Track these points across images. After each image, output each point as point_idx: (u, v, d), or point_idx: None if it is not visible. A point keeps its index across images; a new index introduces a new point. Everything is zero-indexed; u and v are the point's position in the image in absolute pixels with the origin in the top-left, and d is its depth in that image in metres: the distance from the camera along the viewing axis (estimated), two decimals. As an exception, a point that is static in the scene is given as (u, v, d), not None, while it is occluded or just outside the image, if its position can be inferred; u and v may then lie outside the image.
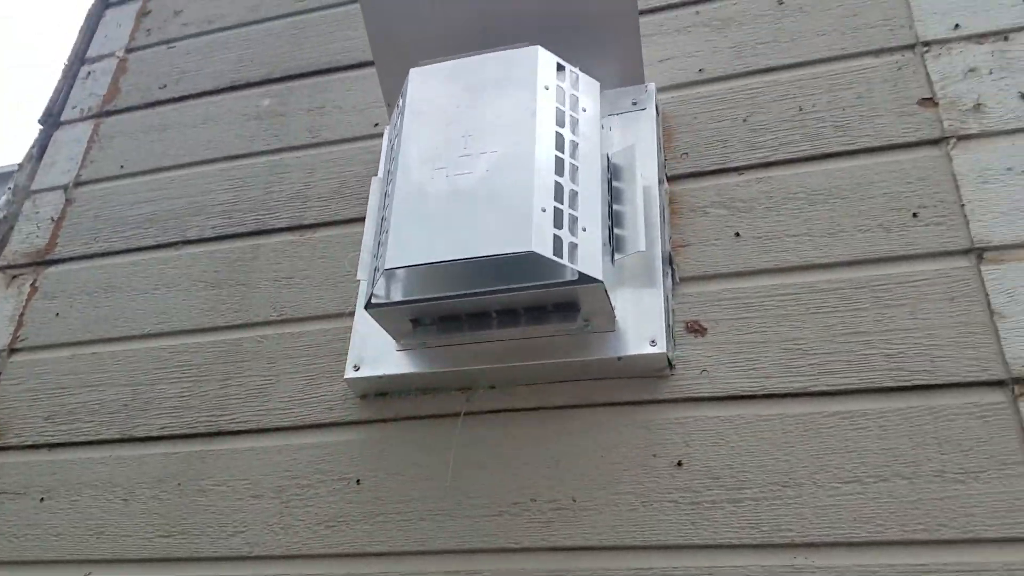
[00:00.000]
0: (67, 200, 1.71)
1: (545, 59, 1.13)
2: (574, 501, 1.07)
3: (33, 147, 1.85)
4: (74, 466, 1.34)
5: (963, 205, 1.11)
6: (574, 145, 1.10)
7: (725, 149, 1.28)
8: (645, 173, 1.22)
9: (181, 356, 1.38)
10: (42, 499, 1.32)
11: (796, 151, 1.24)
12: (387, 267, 1.01)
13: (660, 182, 1.24)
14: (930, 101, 1.21)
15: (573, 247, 1.01)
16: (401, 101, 1.16)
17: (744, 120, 1.29)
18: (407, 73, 1.18)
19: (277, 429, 1.25)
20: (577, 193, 1.06)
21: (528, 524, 1.07)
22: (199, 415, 1.31)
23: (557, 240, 1.00)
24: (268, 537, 1.16)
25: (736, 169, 1.25)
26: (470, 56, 1.15)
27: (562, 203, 1.03)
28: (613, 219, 1.16)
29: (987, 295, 1.04)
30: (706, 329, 1.14)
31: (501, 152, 1.04)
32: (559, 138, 1.07)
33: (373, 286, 1.06)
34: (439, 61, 1.17)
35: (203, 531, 1.20)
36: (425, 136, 1.10)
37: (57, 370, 1.46)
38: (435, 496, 1.12)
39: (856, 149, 1.21)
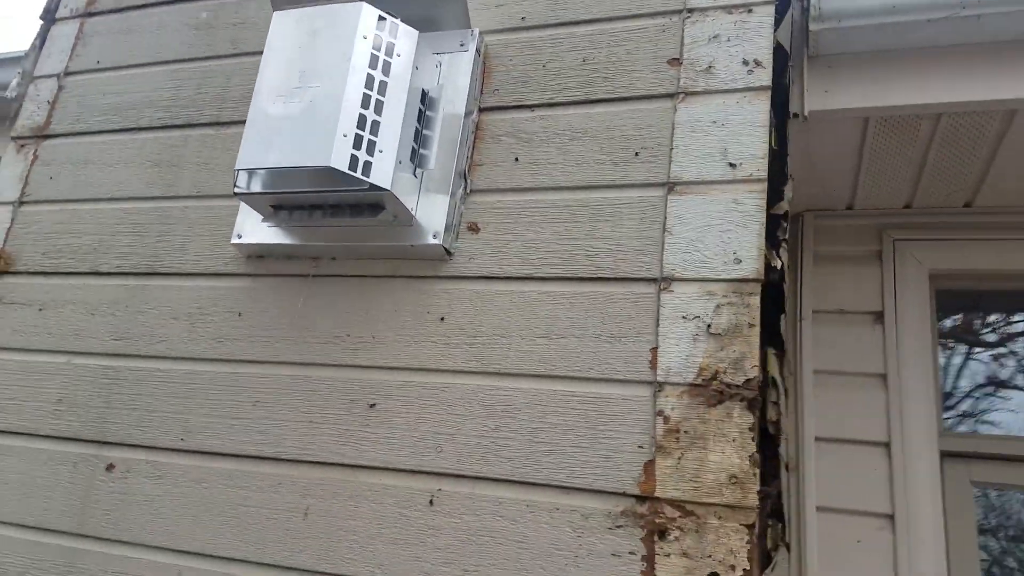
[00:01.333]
0: (59, 87, 2.17)
1: (367, 13, 1.51)
2: (373, 338, 1.56)
3: (36, 38, 2.29)
4: (60, 288, 1.89)
5: (672, 149, 1.50)
6: (383, 84, 1.50)
7: (525, 89, 1.66)
8: (456, 105, 1.62)
9: (131, 216, 1.89)
10: (40, 309, 1.88)
11: (572, 96, 1.61)
12: (236, 167, 1.47)
13: (470, 113, 1.64)
14: (676, 61, 1.56)
15: (368, 164, 1.45)
16: (267, 38, 1.57)
17: (543, 65, 1.66)
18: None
19: (191, 274, 1.76)
20: (379, 123, 1.48)
21: (343, 350, 1.57)
22: (140, 260, 1.83)
23: (354, 159, 1.43)
24: (180, 345, 1.70)
25: (529, 107, 1.64)
26: (315, 7, 1.54)
27: (363, 131, 1.45)
28: (420, 142, 1.58)
29: (665, 218, 1.45)
30: (480, 229, 1.58)
31: (322, 89, 1.46)
32: (369, 78, 1.48)
33: (236, 180, 1.52)
34: (295, 7, 1.56)
35: (140, 338, 1.75)
36: (274, 68, 1.52)
37: (51, 220, 1.98)
38: (287, 328, 1.63)
39: (614, 98, 1.58)
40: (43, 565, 1.60)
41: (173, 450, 1.60)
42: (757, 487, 1.22)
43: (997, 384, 2.21)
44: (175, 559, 1.51)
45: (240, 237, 1.69)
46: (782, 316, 1.62)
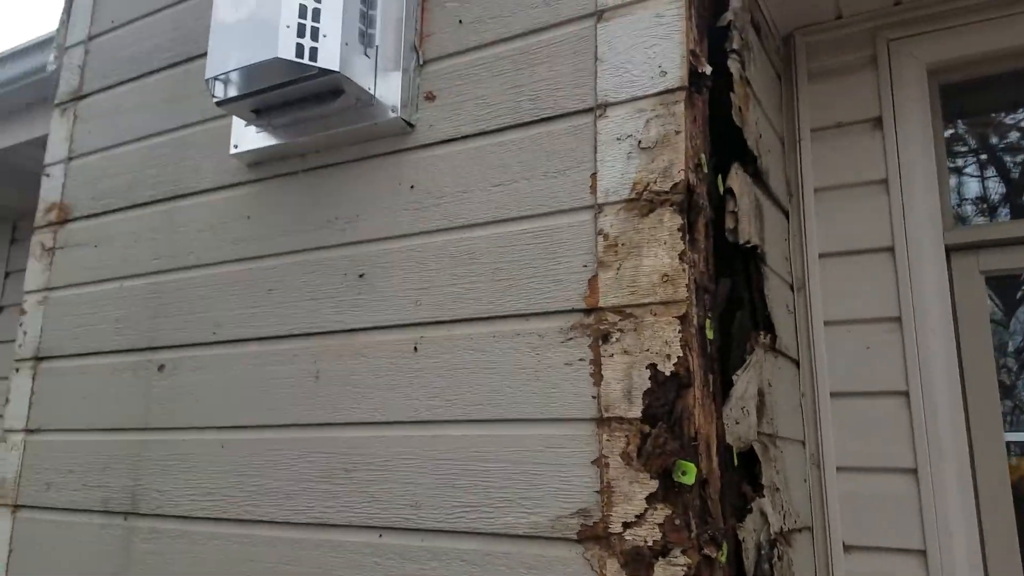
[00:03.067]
0: (86, 51, 2.40)
1: (296, -89, 1.59)
2: (357, 216, 1.70)
3: (63, 12, 2.53)
4: (108, 225, 2.14)
5: (597, -22, 1.50)
6: (319, -26, 1.59)
7: (461, -47, 1.69)
8: (398, -18, 1.69)
9: (155, 151, 2.10)
10: (95, 246, 2.15)
11: (502, -51, 1.63)
12: (205, 77, 1.62)
13: (413, -13, 1.70)
14: None
15: (314, 50, 1.55)
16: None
17: (475, -74, 1.68)
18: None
19: (207, 190, 1.96)
20: (319, 10, 1.57)
21: (334, 232, 1.72)
22: (167, 187, 2.04)
23: (299, 47, 1.54)
24: (206, 253, 1.91)
25: (466, -31, 1.68)
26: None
27: (305, 19, 1.56)
28: (365, 22, 1.66)
29: (596, 46, 1.48)
30: (436, 96, 1.66)
31: (264, -11, 1.57)
32: (305, -29, 1.57)
33: (213, 90, 1.68)
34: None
35: (175, 254, 1.97)
36: (225, -18, 1.64)
37: (93, 167, 2.24)
38: (287, 221, 1.80)
39: (540, -59, 1.59)
40: (119, 457, 1.90)
41: (208, 343, 1.83)
42: (686, 281, 1.27)
43: (1007, 174, 2.08)
44: (217, 434, 1.74)
45: (236, 147, 1.86)
46: (744, 130, 1.63)
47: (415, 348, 1.53)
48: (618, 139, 1.40)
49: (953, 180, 2.01)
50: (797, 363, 1.91)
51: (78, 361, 2.07)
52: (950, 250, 1.81)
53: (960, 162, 2.09)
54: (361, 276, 1.65)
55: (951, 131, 2.08)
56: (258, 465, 1.66)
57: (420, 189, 1.63)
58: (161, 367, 1.89)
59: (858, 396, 1.82)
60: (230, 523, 1.66)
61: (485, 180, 1.55)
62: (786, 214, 2.00)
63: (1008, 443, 1.73)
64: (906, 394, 1.76)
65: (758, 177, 1.75)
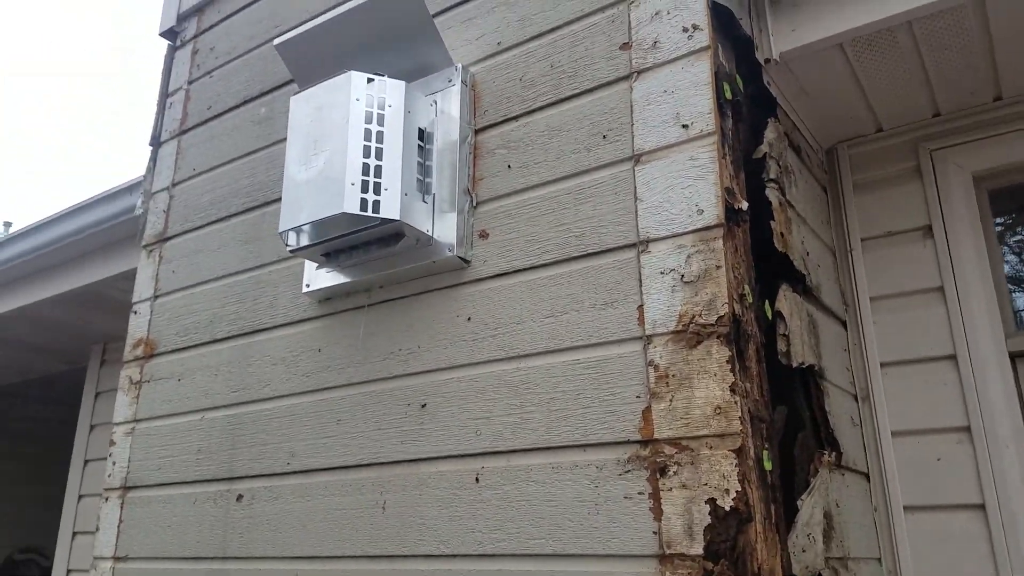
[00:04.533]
0: (170, 196, 2.64)
1: (356, 78, 1.77)
2: (419, 347, 1.80)
3: (150, 161, 2.81)
4: (190, 359, 2.30)
5: (632, 124, 1.62)
6: (379, 134, 1.75)
7: (508, 103, 1.84)
8: (452, 133, 1.84)
9: (233, 288, 2.27)
10: (179, 380, 2.30)
11: (546, 99, 1.77)
12: (278, 231, 1.78)
13: (465, 136, 1.85)
14: (627, 45, 1.68)
15: (376, 203, 1.69)
16: (288, 120, 1.88)
17: (520, 79, 1.84)
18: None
19: (280, 325, 2.10)
20: (381, 167, 1.73)
21: (397, 363, 1.82)
22: (245, 322, 2.19)
23: (363, 201, 1.69)
24: (280, 385, 2.03)
25: (513, 118, 1.82)
26: (319, 84, 1.83)
27: (368, 176, 1.71)
28: (423, 172, 1.81)
29: (635, 187, 1.57)
30: (489, 234, 1.78)
31: (330, 150, 1.74)
32: (367, 132, 1.73)
33: (286, 240, 1.83)
34: (306, 88, 1.86)
35: (251, 386, 2.10)
36: (295, 143, 1.82)
37: (177, 305, 2.43)
38: (353, 353, 1.91)
39: (580, 92, 1.72)
40: (201, 583, 1.98)
41: (282, 474, 1.92)
42: (739, 413, 1.30)
43: None
44: (291, 564, 1.81)
45: (308, 286, 2.00)
46: (789, 252, 1.68)
47: (476, 479, 1.59)
48: (662, 273, 1.47)
49: (1011, 285, 1.99)
50: (867, 476, 1.88)
51: (162, 491, 2.18)
52: (1014, 356, 1.79)
53: (1016, 266, 2.08)
54: (423, 406, 1.73)
55: (1004, 236, 2.08)
56: (330, 598, 1.71)
57: (477, 320, 1.72)
58: (239, 497, 1.99)
59: (932, 510, 1.77)
60: (303, 658, 1.70)
61: (537, 312, 1.63)
62: (844, 324, 2.01)
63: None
64: (983, 507, 1.70)
65: (809, 294, 1.78)
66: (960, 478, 1.74)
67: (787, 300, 1.64)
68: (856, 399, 1.94)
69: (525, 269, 1.68)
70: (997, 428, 1.73)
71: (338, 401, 1.89)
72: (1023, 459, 1.70)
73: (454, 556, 1.55)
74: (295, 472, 1.90)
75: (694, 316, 1.41)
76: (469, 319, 1.73)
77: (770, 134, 1.73)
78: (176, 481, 2.16)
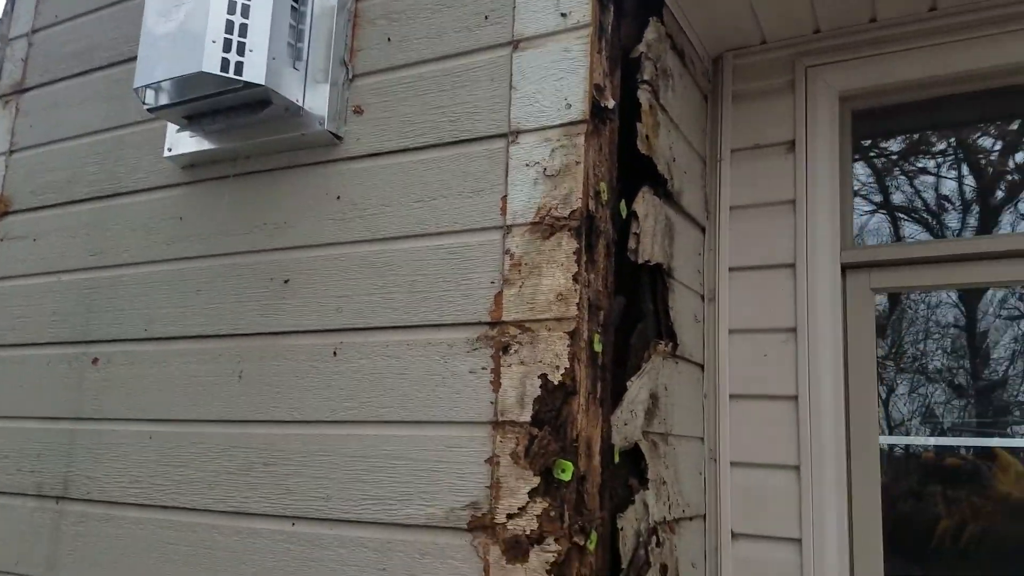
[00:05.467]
0: (30, 44, 2.42)
1: (228, -70, 1.65)
2: (285, 223, 1.78)
3: (7, 3, 2.54)
4: (47, 219, 2.18)
5: (515, 8, 1.59)
6: (250, -9, 1.65)
7: (391, -26, 1.77)
8: None
9: (95, 147, 2.14)
10: (34, 240, 2.19)
11: (429, -27, 1.71)
12: (133, 87, 1.68)
13: (345, 4, 1.78)
14: (515, -77, 1.63)
15: (239, 64, 1.62)
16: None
17: (404, -51, 1.76)
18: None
19: (142, 190, 2.01)
20: (246, 25, 1.64)
21: (262, 237, 1.79)
22: (105, 184, 2.09)
23: (224, 61, 1.61)
24: (139, 252, 1.97)
25: (395, -11, 1.76)
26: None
27: (232, 34, 1.62)
28: (294, 37, 1.73)
29: (511, 75, 1.57)
30: (364, 110, 1.74)
31: (192, 2, 1.63)
32: (235, -11, 1.63)
33: (144, 98, 1.74)
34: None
35: (109, 251, 2.03)
36: (158, -6, 1.70)
37: (34, 162, 2.27)
38: (218, 224, 1.87)
39: (464, -32, 1.67)
40: (52, 446, 1.97)
41: (139, 340, 1.90)
42: (578, 300, 1.38)
43: (908, 197, 2.25)
44: (147, 426, 1.82)
45: (170, 150, 1.92)
46: (653, 155, 1.74)
47: (334, 353, 1.63)
48: (527, 165, 1.51)
49: (858, 202, 2.15)
50: (702, 367, 2.05)
51: (17, 352, 2.12)
52: (845, 268, 1.96)
53: (865, 185, 2.24)
54: (286, 282, 1.73)
55: (859, 155, 2.22)
56: (183, 456, 1.75)
57: (346, 200, 1.71)
58: (95, 360, 1.96)
59: (754, 399, 1.96)
60: (155, 509, 1.75)
61: (406, 195, 1.64)
62: (703, 230, 2.13)
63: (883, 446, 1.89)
64: (795, 398, 1.91)
65: (669, 198, 1.87)
66: (781, 373, 1.94)
67: (645, 201, 1.71)
68: (703, 299, 2.08)
69: (398, 151, 1.67)
70: (820, 329, 1.91)
71: (198, 271, 1.87)
72: (836, 357, 1.90)
73: (308, 422, 1.61)
74: (152, 339, 1.88)
75: (551, 209, 1.46)
76: (338, 198, 1.72)
77: (650, 34, 1.75)
78: (31, 342, 2.09)
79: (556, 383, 1.36)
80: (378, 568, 1.45)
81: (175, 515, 1.72)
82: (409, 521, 1.44)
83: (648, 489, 1.58)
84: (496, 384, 1.42)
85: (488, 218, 1.53)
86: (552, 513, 1.30)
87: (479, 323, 1.48)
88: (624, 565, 1.44)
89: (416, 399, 1.51)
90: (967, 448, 2.39)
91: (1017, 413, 2.73)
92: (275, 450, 1.63)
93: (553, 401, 1.35)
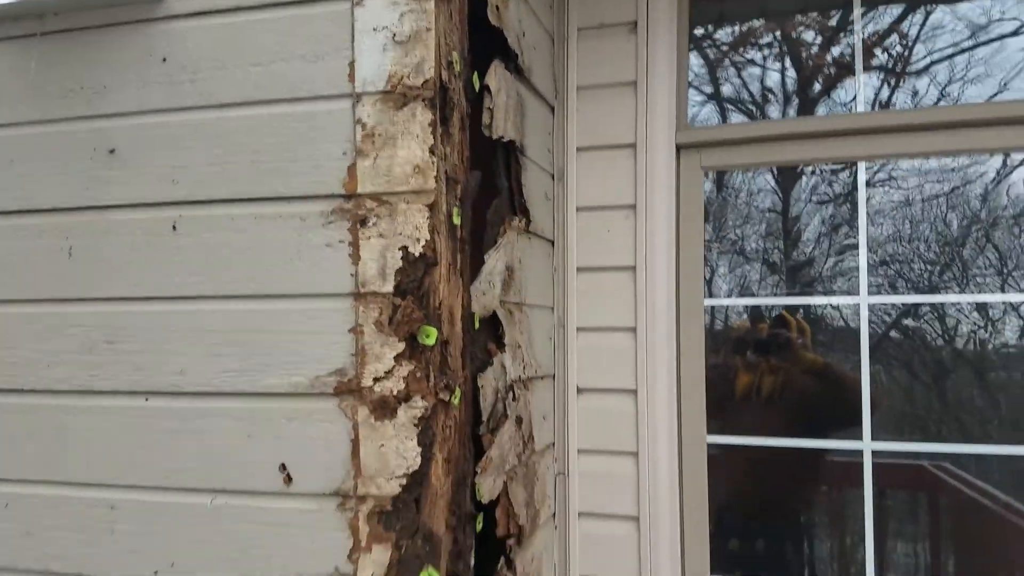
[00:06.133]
0: None
1: None
2: (104, 87, 1.61)
3: None
4: None
5: None
6: None
7: None
8: None
9: None
10: None
11: None
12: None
13: None
14: None
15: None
16: None
17: None
18: None
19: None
20: None
21: (79, 102, 1.62)
22: None
23: None
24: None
25: None
26: None
27: None
28: None
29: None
30: (191, -39, 1.58)
31: None
32: None
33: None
34: None
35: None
36: None
37: None
38: (26, 88, 1.66)
39: None
40: None
41: (-60, 216, 1.69)
42: (435, 173, 1.39)
43: (736, 88, 2.43)
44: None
45: (-47, -1, 1.65)
46: (504, 28, 1.73)
47: (173, 227, 1.54)
48: (375, 30, 1.45)
49: (692, 93, 2.27)
50: (553, 242, 2.15)
51: None
52: (680, 148, 2.09)
53: (699, 76, 2.36)
54: (112, 152, 1.59)
55: (694, 46, 2.33)
56: (15, 337, 1.62)
57: (173, 62, 1.57)
58: None
59: (598, 271, 2.11)
60: (-13, 396, 1.63)
61: (242, 59, 1.53)
62: (552, 109, 2.17)
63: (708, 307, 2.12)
64: (634, 268, 2.07)
65: (520, 74, 1.88)
66: (622, 247, 2.08)
67: (497, 76, 1.72)
68: (553, 177, 2.16)
69: (229, 10, 1.55)
70: (656, 206, 2.06)
71: (9, 140, 1.66)
72: (670, 230, 2.06)
73: (151, 299, 1.54)
74: (-43, 217, 1.68)
75: (402, 77, 1.43)
76: (164, 60, 1.58)
77: (497, -102, 1.70)
78: None
79: (417, 255, 1.38)
80: (244, 435, 1.46)
81: (11, 397, 1.61)
82: (272, 390, 1.45)
83: (505, 352, 1.68)
84: (356, 257, 1.42)
85: (335, 85, 1.48)
86: (418, 374, 1.36)
87: (332, 195, 1.46)
88: (484, 417, 1.55)
89: (270, 272, 1.48)
90: (772, 310, 2.73)
91: (820, 287, 3.13)
92: (117, 327, 1.55)
93: (415, 272, 1.38)
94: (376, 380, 1.40)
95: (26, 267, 1.63)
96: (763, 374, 4.13)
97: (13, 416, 1.62)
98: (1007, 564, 3.53)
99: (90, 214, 1.59)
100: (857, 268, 2.16)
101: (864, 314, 2.12)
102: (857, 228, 2.15)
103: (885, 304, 3.31)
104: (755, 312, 2.82)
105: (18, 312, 1.62)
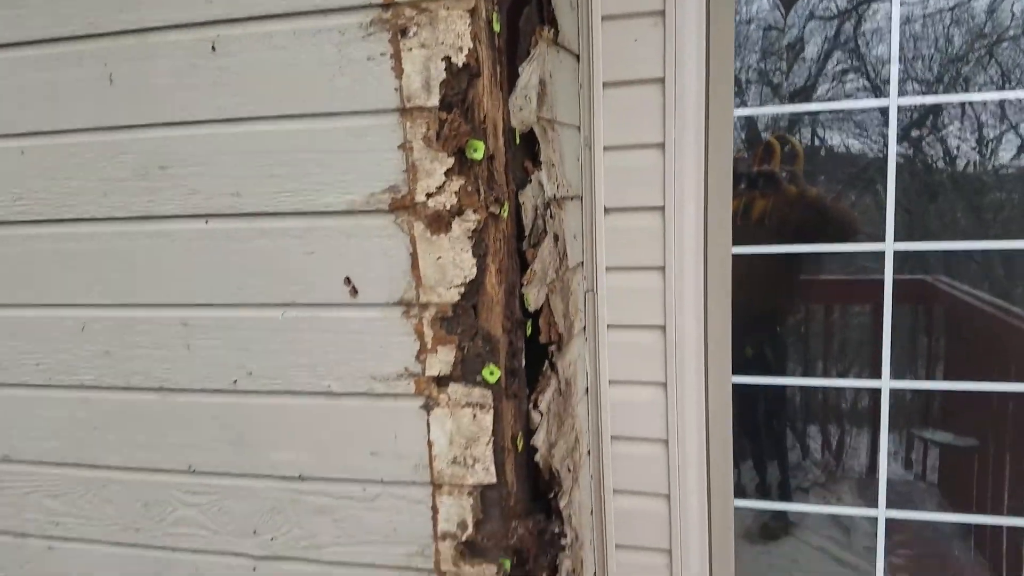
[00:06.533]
0: None
1: None
2: (122, -102, 1.54)
3: None
4: None
5: None
6: None
7: None
8: None
9: None
10: None
11: None
12: None
13: None
14: None
15: None
16: None
17: None
18: None
19: None
20: None
21: None
22: None
23: None
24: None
25: None
26: None
27: None
28: None
29: None
30: None
31: None
32: None
33: None
34: None
35: None
36: None
37: None
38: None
39: None
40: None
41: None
42: (474, -25, 1.37)
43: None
44: (13, 142, 1.68)
45: None
46: None
47: (213, 47, 1.54)
48: None
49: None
50: (578, 56, 2.13)
51: None
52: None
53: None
54: (142, -29, 1.55)
55: None
56: (65, 168, 1.67)
57: None
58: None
59: (624, 85, 2.10)
60: (45, 224, 1.70)
61: None
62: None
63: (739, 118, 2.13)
64: (662, 80, 2.06)
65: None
66: (649, 56, 2.06)
67: None
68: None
69: None
70: (685, 13, 2.02)
71: (28, -37, 1.62)
72: (700, 37, 2.02)
73: (198, 122, 1.56)
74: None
75: None
76: None
77: None
78: None
79: (461, 65, 1.39)
80: (305, 252, 1.55)
81: (69, 227, 1.68)
82: (330, 209, 1.52)
83: (541, 170, 1.72)
84: (398, 70, 1.43)
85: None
86: (469, 188, 1.42)
87: (370, 5, 1.44)
88: (527, 233, 1.63)
89: (313, 90, 1.49)
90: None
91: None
92: (168, 152, 1.59)
93: (459, 84, 1.40)
94: (429, 196, 1.46)
95: (68, 97, 1.64)
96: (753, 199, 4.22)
97: (72, 245, 1.70)
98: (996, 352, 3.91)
99: (128, 38, 1.58)
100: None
101: (889, 263, 2.26)
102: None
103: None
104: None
105: (67, 143, 1.66)
